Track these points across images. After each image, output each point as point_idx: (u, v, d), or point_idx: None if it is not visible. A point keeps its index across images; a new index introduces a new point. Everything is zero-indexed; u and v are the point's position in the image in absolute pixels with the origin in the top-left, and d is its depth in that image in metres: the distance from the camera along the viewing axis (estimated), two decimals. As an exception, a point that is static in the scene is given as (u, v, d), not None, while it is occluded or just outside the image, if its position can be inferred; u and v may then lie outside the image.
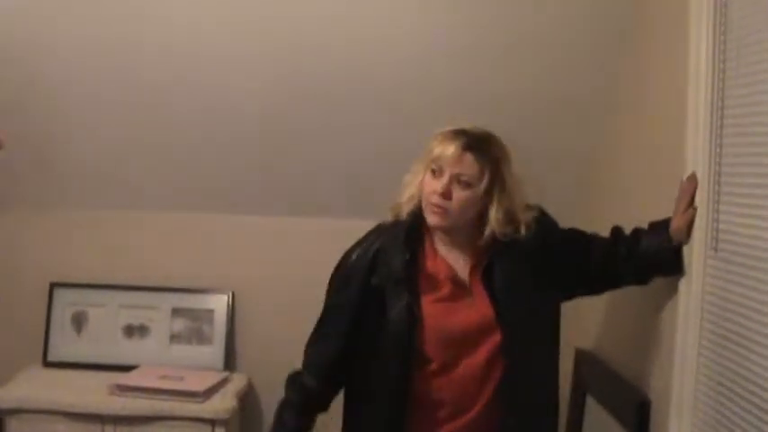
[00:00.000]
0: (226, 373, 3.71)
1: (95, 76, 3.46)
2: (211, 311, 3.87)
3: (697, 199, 2.49)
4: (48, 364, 3.83)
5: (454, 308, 2.59)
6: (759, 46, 2.22)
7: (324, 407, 2.73)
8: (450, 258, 2.63)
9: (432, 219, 2.55)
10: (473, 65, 3.30)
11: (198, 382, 3.50)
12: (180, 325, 3.87)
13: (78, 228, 3.92)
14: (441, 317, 2.57)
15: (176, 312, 3.88)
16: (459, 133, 2.56)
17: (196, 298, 3.88)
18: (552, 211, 2.73)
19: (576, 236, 2.78)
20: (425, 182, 2.57)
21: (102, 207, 3.87)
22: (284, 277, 3.82)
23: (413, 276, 2.59)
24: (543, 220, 2.67)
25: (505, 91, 3.35)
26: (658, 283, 2.73)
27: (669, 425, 2.57)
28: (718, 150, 2.43)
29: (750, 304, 2.21)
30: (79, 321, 3.89)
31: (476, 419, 2.56)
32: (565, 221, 2.75)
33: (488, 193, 2.55)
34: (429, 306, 2.57)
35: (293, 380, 2.72)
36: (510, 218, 2.58)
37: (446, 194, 2.51)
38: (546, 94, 3.35)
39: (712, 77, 2.44)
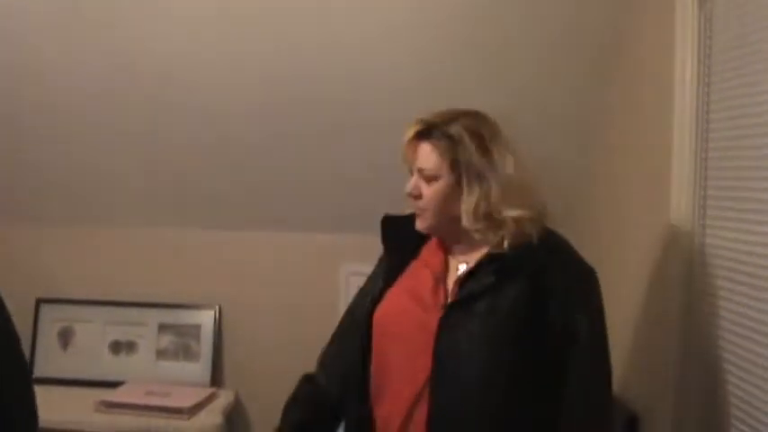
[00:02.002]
0: (212, 389, 3.68)
1: (80, 94, 3.44)
2: (198, 327, 3.84)
3: (683, 213, 2.49)
4: (34, 380, 3.79)
5: (413, 298, 2.29)
6: (742, 60, 2.22)
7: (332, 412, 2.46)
8: (452, 259, 2.33)
9: (417, 223, 2.31)
10: (461, 81, 3.28)
11: (184, 399, 3.48)
12: (167, 341, 3.84)
13: (64, 244, 3.89)
14: (392, 299, 2.33)
15: (163, 328, 3.85)
16: (416, 122, 2.29)
17: (183, 313, 3.85)
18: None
19: (578, 357, 2.16)
20: None
21: (88, 223, 3.85)
22: (271, 292, 3.80)
23: (395, 265, 2.38)
24: (552, 254, 2.22)
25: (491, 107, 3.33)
26: (647, 296, 2.73)
27: (657, 440, 2.57)
28: (703, 164, 2.44)
29: (737, 319, 2.21)
30: (66, 337, 3.87)
31: None
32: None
33: (459, 181, 2.23)
34: (393, 292, 2.34)
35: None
36: (486, 215, 2.20)
37: (415, 194, 2.28)
38: (532, 109, 3.33)
39: (697, 89, 2.46)
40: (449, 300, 2.24)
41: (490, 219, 2.21)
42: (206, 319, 3.84)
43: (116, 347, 3.86)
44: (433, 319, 2.19)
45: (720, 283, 2.30)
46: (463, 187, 2.22)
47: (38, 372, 3.79)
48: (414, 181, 2.28)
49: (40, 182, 3.76)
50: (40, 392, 3.62)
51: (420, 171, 2.26)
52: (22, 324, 3.78)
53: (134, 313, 3.86)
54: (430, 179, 2.25)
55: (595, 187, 3.40)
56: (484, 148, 2.23)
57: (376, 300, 2.35)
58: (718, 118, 2.38)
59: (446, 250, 2.35)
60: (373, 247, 2.49)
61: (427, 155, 2.25)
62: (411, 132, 2.27)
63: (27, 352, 3.79)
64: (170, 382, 3.70)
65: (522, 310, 2.14)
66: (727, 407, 2.23)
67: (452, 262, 2.33)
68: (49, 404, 3.52)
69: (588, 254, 2.21)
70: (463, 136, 2.22)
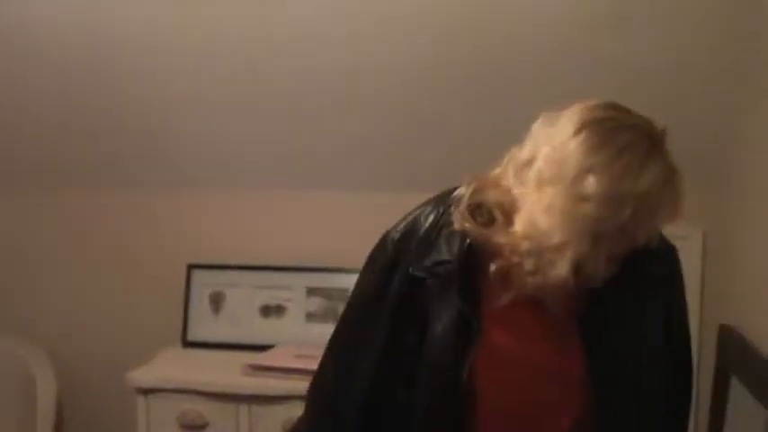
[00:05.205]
0: (361, 352, 3.69)
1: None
2: (346, 290, 3.83)
3: None
4: (187, 344, 3.91)
5: (526, 333, 1.83)
6: None
7: None
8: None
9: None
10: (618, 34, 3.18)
11: (333, 362, 3.49)
12: (315, 304, 3.88)
13: (212, 208, 3.97)
14: (505, 337, 1.83)
15: (311, 292, 3.89)
16: (647, 132, 1.65)
17: (331, 277, 3.87)
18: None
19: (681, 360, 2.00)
20: None
21: (235, 187, 3.91)
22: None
23: (471, 275, 1.83)
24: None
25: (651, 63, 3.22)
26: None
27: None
28: None
29: None
30: (217, 302, 3.94)
31: None
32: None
33: None
34: (492, 322, 1.82)
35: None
36: None
37: None
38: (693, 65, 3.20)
39: None
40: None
41: None
42: (353, 282, 3.82)
43: (266, 311, 3.91)
44: (565, 354, 1.82)
45: None
46: None
47: (190, 336, 3.89)
48: None
49: (186, 147, 3.84)
50: (193, 355, 3.76)
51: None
52: (174, 289, 3.90)
53: (282, 278, 3.91)
54: None
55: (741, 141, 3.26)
56: None
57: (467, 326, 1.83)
58: None
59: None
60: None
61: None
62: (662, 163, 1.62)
63: (180, 316, 3.90)
64: (320, 346, 3.72)
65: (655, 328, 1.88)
66: None
67: None
68: (201, 367, 3.63)
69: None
70: None
